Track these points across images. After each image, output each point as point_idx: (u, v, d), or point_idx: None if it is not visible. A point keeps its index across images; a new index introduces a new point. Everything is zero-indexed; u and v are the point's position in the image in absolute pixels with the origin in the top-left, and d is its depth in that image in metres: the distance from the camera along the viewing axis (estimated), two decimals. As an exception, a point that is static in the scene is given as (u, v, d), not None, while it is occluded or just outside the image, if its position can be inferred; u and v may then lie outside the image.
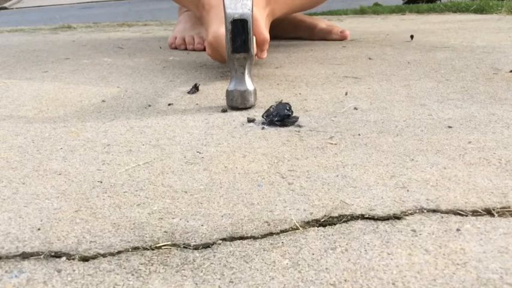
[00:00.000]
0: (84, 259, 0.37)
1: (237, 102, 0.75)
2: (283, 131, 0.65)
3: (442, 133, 0.62)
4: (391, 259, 0.36)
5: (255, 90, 0.76)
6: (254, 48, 0.78)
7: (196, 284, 0.34)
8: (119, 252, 0.38)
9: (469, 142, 0.59)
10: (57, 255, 0.37)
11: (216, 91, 0.88)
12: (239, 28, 0.73)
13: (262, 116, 0.69)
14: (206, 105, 0.79)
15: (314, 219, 0.42)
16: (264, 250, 0.38)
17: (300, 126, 0.67)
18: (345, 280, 0.34)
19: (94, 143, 0.62)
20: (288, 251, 0.37)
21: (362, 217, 0.42)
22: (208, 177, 0.51)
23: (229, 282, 0.34)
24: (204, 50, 1.37)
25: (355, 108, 0.74)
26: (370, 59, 1.16)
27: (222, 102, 0.80)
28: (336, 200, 0.45)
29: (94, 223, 0.42)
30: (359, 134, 0.63)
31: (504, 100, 0.76)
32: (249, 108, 0.76)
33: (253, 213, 0.43)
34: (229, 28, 0.73)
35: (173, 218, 0.43)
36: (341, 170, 0.52)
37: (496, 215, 0.42)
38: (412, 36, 1.47)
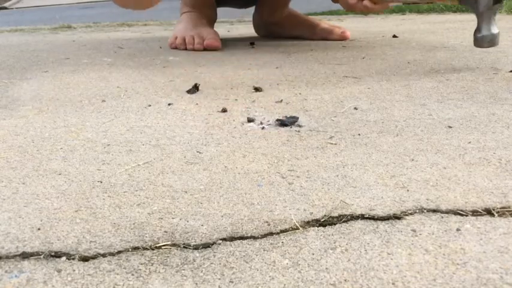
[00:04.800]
0: (84, 259, 0.37)
1: (492, 43, 0.95)
2: (283, 131, 0.65)
3: (442, 133, 0.62)
4: (391, 259, 0.36)
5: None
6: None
7: (196, 284, 0.34)
8: (119, 252, 0.38)
9: (469, 142, 0.59)
10: (57, 255, 0.37)
11: (216, 91, 0.88)
12: None
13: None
14: (206, 105, 0.79)
15: (314, 219, 0.42)
16: (264, 250, 0.38)
17: (300, 126, 0.67)
18: (345, 280, 0.34)
19: (94, 143, 0.62)
20: (288, 251, 0.37)
21: (362, 217, 0.42)
22: (208, 177, 0.51)
23: (229, 282, 0.34)
24: (204, 50, 1.37)
25: (355, 108, 0.74)
26: (370, 59, 1.16)
27: (222, 102, 0.80)
28: (336, 200, 0.45)
29: (94, 223, 0.42)
30: (359, 134, 0.63)
31: (504, 100, 0.76)
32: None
33: (253, 213, 0.43)
34: None
35: (173, 218, 0.43)
36: (341, 170, 0.52)
37: (496, 215, 0.42)
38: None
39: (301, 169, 0.52)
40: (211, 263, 0.36)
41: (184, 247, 0.38)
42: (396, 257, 0.36)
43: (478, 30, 0.97)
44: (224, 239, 0.39)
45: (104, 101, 0.83)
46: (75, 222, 0.42)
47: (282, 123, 0.67)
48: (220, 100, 0.81)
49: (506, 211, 0.42)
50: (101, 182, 0.50)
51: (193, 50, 1.37)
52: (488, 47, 0.97)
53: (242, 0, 1.67)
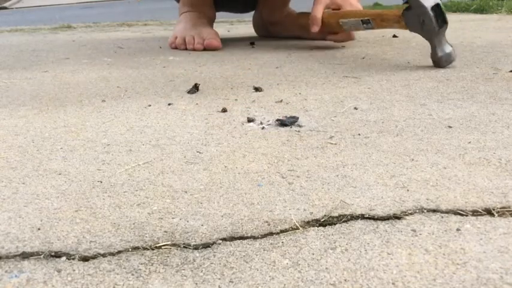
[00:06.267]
0: (84, 259, 0.37)
1: (449, 61, 1.00)
2: (283, 131, 0.65)
3: (442, 133, 0.62)
4: (391, 259, 0.36)
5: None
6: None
7: (196, 284, 0.34)
8: (119, 252, 0.38)
9: (469, 142, 0.59)
10: (57, 255, 0.37)
11: (216, 91, 0.88)
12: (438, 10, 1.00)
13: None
14: (206, 105, 0.79)
15: (314, 219, 0.42)
16: (264, 250, 0.38)
17: (300, 126, 0.67)
18: (345, 280, 0.34)
19: (94, 143, 0.62)
20: (288, 251, 0.37)
21: (362, 217, 0.42)
22: (208, 177, 0.51)
23: (229, 282, 0.34)
24: (204, 49, 1.37)
25: (355, 108, 0.74)
26: (370, 59, 1.16)
27: (222, 102, 0.80)
28: (336, 200, 0.45)
29: (94, 223, 0.42)
30: (359, 134, 0.63)
31: (504, 100, 0.76)
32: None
33: (253, 213, 0.43)
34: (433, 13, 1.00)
35: (173, 218, 0.43)
36: (341, 170, 0.52)
37: (496, 215, 0.42)
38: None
39: (301, 169, 0.52)
40: (211, 263, 0.36)
41: (184, 247, 0.38)
42: (396, 257, 0.36)
43: (433, 53, 1.02)
44: (224, 239, 0.39)
45: (104, 101, 0.83)
46: (75, 222, 0.42)
47: (282, 123, 0.67)
48: (220, 100, 0.81)
49: (506, 211, 0.42)
50: (101, 182, 0.50)
51: (193, 50, 1.37)
52: (448, 65, 1.01)
53: (241, 5, 1.67)
